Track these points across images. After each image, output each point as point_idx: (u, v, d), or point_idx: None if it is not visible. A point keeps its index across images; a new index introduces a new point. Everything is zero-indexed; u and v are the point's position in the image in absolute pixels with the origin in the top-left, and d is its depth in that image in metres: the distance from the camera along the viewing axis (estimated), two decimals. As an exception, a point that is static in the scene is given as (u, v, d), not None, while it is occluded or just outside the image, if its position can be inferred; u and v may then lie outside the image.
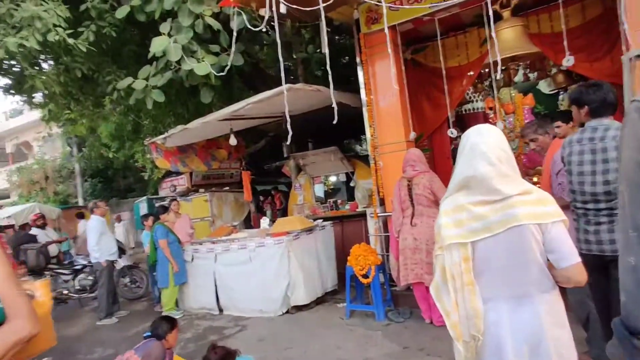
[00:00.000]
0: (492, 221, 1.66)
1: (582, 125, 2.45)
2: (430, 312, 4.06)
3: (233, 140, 5.68)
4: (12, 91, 5.66)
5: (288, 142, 4.03)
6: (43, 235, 7.55)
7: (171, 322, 3.16)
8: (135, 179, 17.09)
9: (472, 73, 5.77)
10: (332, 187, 8.64)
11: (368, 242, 4.91)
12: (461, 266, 1.73)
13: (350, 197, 8.42)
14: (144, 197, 14.10)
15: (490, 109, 7.09)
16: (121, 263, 7.22)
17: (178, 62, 4.70)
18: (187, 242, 6.18)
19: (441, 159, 6.28)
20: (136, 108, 8.15)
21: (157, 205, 7.21)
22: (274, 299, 5.13)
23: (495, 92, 6.77)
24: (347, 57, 6.98)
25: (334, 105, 3.72)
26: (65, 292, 6.98)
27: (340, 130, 9.63)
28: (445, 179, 4.75)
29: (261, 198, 10.32)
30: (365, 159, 9.60)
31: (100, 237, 5.89)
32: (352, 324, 4.52)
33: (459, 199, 1.76)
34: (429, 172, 3.99)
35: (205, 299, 5.77)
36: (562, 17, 4.36)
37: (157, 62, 5.08)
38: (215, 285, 5.63)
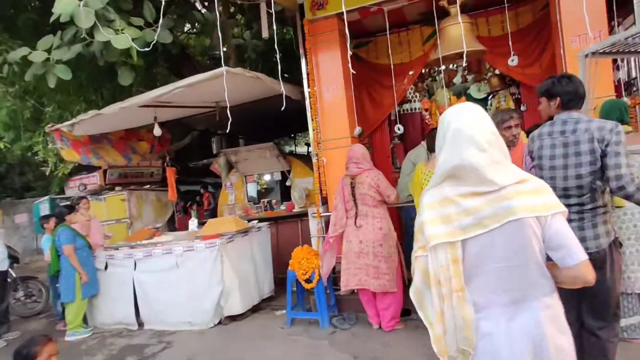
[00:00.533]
0: (485, 215, 1.41)
1: (550, 118, 2.35)
2: (379, 316, 3.84)
3: (157, 130, 4.97)
4: None
5: (227, 130, 3.55)
6: None
7: (38, 344, 2.29)
8: (34, 176, 14.99)
9: (412, 72, 5.71)
10: (265, 186, 8.18)
11: (306, 244, 4.57)
12: (449, 269, 1.46)
13: (285, 197, 8.04)
14: (46, 197, 12.31)
15: (426, 110, 7.20)
16: (13, 274, 6.06)
17: (90, 33, 3.94)
18: (100, 247, 5.32)
19: (382, 158, 6.16)
20: (36, 91, 6.97)
21: (60, 205, 6.11)
22: (205, 310, 4.56)
23: (439, 91, 6.84)
24: (286, 47, 6.58)
25: (282, 90, 3.33)
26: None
27: (276, 127, 9.26)
28: (386, 178, 4.64)
29: (187, 200, 9.51)
30: (302, 157, 9.32)
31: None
32: (295, 333, 4.14)
33: (444, 190, 1.49)
34: (373, 170, 3.78)
35: (121, 313, 4.98)
36: (507, 20, 4.46)
37: (63, 32, 4.25)
38: (135, 297, 4.88)
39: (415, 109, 7.16)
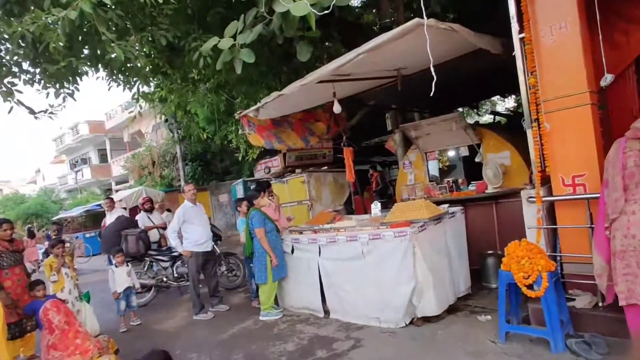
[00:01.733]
0: None
1: None
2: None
3: (337, 107, 4.58)
4: (90, 63, 5.18)
5: (432, 93, 2.80)
6: (146, 219, 7.36)
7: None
8: (231, 162, 17.29)
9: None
10: (447, 164, 7.17)
11: (524, 239, 3.50)
12: None
13: (471, 175, 6.89)
14: (240, 180, 14.01)
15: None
16: (217, 250, 6.74)
17: (270, 11, 3.72)
18: (285, 230, 5.35)
19: (621, 121, 4.49)
20: (227, 85, 7.55)
21: (252, 188, 6.48)
22: (395, 307, 4.01)
23: None
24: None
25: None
26: (165, 279, 6.71)
27: (458, 95, 8.09)
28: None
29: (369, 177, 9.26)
30: (493, 127, 7.94)
31: (184, 225, 5.35)
32: (514, 352, 3.21)
33: None
34: None
35: (308, 298, 4.88)
36: None
37: (245, 16, 4.16)
38: (320, 283, 4.70)
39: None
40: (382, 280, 4.07)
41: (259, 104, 4.83)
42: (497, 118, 10.24)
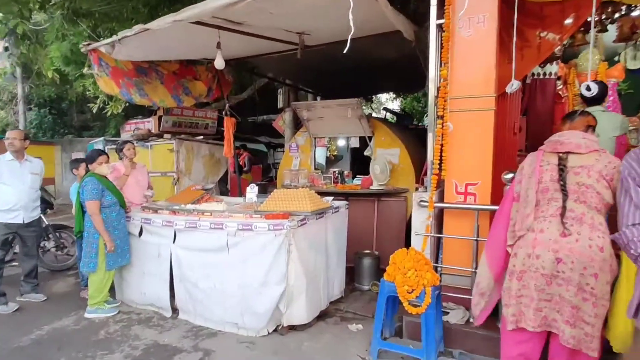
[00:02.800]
0: None
1: None
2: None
3: (220, 62, 3.67)
4: None
5: (345, 50, 2.14)
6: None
7: None
8: (94, 116, 14.61)
9: (574, 18, 3.94)
10: (335, 153, 6.80)
11: (412, 248, 3.17)
12: None
13: (357, 169, 6.65)
14: (101, 138, 11.81)
15: (559, 78, 5.41)
16: (45, 221, 5.23)
17: None
18: (135, 206, 4.27)
19: (504, 135, 4.55)
20: (88, 12, 5.92)
21: (95, 148, 5.07)
22: (258, 313, 3.35)
23: (584, 53, 5.16)
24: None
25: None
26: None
27: (356, 82, 7.75)
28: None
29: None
30: (389, 122, 7.81)
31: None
32: (385, 374, 2.84)
33: None
34: (607, 154, 2.14)
35: (154, 294, 3.93)
36: None
37: None
38: (172, 276, 3.79)
39: (550, 73, 5.41)
40: (246, 279, 3.36)
41: (115, 37, 3.63)
42: (388, 115, 10.36)
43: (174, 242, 3.77)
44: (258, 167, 9.48)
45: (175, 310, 3.87)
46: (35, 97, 14.26)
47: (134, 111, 10.73)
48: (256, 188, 4.15)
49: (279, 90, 7.54)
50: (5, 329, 3.65)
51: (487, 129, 3.16)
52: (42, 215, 4.69)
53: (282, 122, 6.90)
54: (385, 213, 5.43)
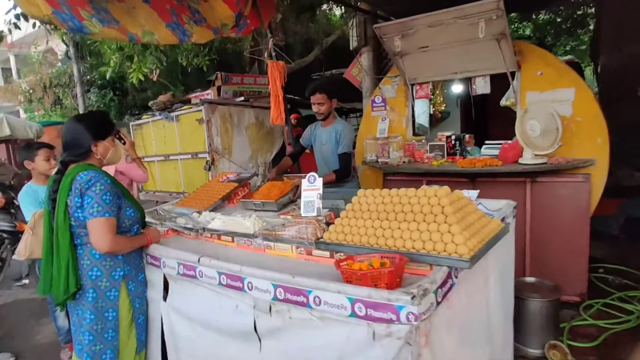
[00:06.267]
0: None
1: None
2: None
3: None
4: None
5: None
6: None
7: None
8: (155, 94, 13.70)
9: None
10: (443, 108, 4.44)
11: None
12: None
13: (475, 131, 4.25)
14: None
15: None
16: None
17: None
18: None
19: None
20: None
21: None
22: None
23: None
24: None
25: None
26: None
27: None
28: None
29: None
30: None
31: None
32: None
33: None
34: None
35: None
36: None
37: None
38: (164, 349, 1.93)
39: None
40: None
41: None
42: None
43: (164, 298, 1.88)
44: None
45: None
46: (96, 77, 13.55)
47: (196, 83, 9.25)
48: (320, 182, 2.03)
49: (350, 24, 5.24)
50: None
51: None
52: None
53: (359, 68, 4.66)
54: (546, 205, 3.10)
